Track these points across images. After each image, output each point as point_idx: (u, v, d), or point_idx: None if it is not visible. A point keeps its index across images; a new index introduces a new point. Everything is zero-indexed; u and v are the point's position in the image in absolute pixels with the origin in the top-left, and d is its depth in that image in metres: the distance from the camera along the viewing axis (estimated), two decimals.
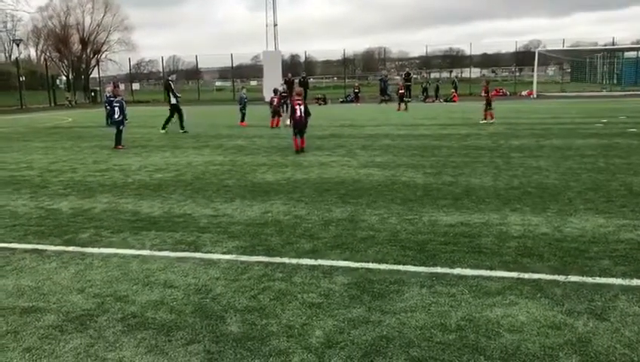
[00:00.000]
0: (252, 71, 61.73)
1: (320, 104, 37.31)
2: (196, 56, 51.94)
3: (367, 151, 12.95)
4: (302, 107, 12.94)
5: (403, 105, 27.83)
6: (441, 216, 6.74)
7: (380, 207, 7.28)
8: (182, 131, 18.63)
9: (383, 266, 5.03)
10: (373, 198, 7.85)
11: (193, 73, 59.49)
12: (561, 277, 4.65)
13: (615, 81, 48.16)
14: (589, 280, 4.59)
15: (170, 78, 20.34)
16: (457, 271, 4.87)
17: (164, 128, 19.07)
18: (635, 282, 4.52)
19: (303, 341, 3.69)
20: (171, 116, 19.12)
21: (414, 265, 5.06)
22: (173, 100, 18.95)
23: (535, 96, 39.01)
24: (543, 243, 5.60)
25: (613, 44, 45.54)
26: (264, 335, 3.78)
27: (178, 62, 71.71)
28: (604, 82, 49.80)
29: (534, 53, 40.41)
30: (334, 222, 6.62)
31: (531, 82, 41.55)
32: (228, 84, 58.82)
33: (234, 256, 5.47)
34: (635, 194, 7.69)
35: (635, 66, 47.69)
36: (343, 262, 5.19)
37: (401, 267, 5.01)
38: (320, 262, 5.21)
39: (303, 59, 54.45)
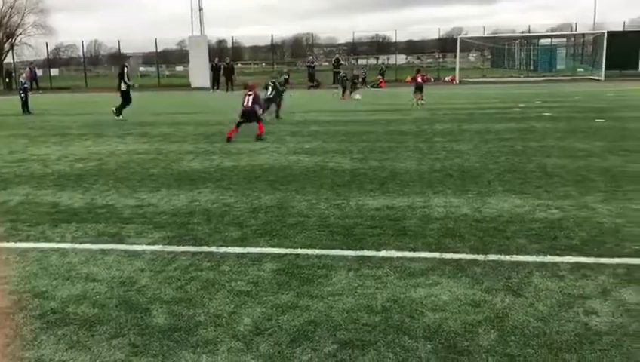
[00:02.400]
0: (177, 56, 60.13)
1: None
2: (118, 41, 49.98)
3: (296, 137, 12.96)
4: (251, 97, 12.77)
5: (351, 93, 26.05)
6: (367, 201, 6.86)
7: (308, 193, 7.32)
8: (118, 117, 18.14)
9: (311, 251, 5.07)
10: (302, 184, 7.88)
11: (116, 58, 57.28)
12: (480, 257, 4.85)
13: (532, 67, 50.43)
14: (507, 258, 4.81)
15: (125, 64, 19.64)
16: (383, 253, 4.99)
17: (119, 114, 18.43)
18: (549, 259, 4.78)
19: (231, 329, 3.67)
20: (125, 101, 18.57)
21: (342, 249, 5.13)
22: (123, 87, 18.44)
23: (457, 82, 40.24)
24: (464, 224, 5.82)
25: (529, 32, 47.62)
26: (191, 326, 3.73)
27: (100, 47, 68.75)
28: (522, 68, 52.04)
29: (457, 40, 41.62)
30: (263, 209, 6.60)
31: (454, 68, 42.79)
32: (152, 69, 57.06)
33: (160, 246, 5.35)
34: (549, 176, 8.11)
35: (550, 53, 50.11)
36: (272, 248, 5.19)
37: (329, 251, 5.06)
38: (248, 249, 5.19)
39: (230, 44, 53.58)
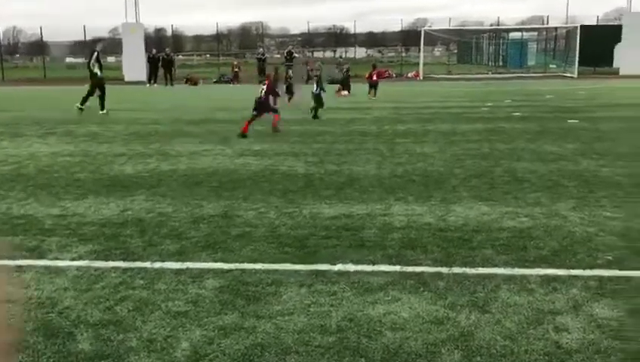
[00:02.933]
0: (109, 46, 59.00)
1: (191, 85, 36.52)
2: (40, 28, 48.63)
3: (244, 138, 12.92)
4: (266, 88, 13.50)
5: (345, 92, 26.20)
6: (323, 209, 6.88)
7: (257, 201, 7.29)
8: (102, 112, 17.86)
9: (259, 266, 5.05)
10: (250, 191, 7.84)
11: (37, 48, 55.76)
12: (444, 270, 4.93)
13: (501, 63, 51.77)
14: (473, 271, 4.91)
15: (97, 49, 19.11)
16: (339, 267, 5.01)
17: (82, 106, 18.04)
18: (517, 271, 4.90)
19: (167, 355, 3.61)
20: (93, 91, 18.15)
21: (293, 263, 5.12)
22: (98, 72, 18.04)
23: (421, 78, 40.95)
24: (427, 233, 5.91)
25: (498, 25, 48.90)
26: (121, 352, 3.65)
27: (19, 34, 66.83)
28: (491, 64, 53.36)
29: (420, 32, 42.36)
30: (205, 219, 6.53)
31: (418, 63, 43.52)
32: (81, 60, 55.79)
33: (86, 262, 5.22)
34: (518, 181, 8.32)
35: (520, 48, 51.56)
36: (215, 263, 5.13)
37: (279, 266, 5.05)
38: (188, 265, 5.12)
39: (169, 33, 52.93)
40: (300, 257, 5.26)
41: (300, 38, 54.47)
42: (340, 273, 4.88)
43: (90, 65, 18.24)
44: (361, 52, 67.22)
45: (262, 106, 13.44)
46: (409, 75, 43.34)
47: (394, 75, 44.08)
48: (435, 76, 42.23)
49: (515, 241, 5.65)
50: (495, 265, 5.02)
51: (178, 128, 14.18)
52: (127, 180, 8.65)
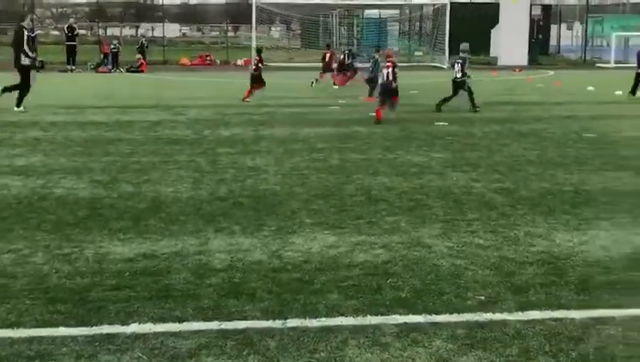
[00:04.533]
0: None
1: None
2: None
3: (1, 146, 12.33)
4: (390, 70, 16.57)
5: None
6: (114, 247, 6.74)
7: (17, 239, 7.00)
8: (18, 109, 17.44)
9: (18, 332, 4.81)
10: (9, 225, 7.50)
11: None
12: (277, 323, 4.98)
13: (356, 48, 53.82)
14: (314, 323, 5.01)
15: (24, 25, 18.28)
16: (133, 328, 4.90)
17: (19, 104, 17.55)
18: (369, 320, 5.07)
19: None
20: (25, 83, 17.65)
21: (68, 325, 4.94)
22: (25, 60, 17.65)
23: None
24: (256, 276, 5.95)
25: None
26: None
27: None
28: (343, 49, 55.26)
29: (252, 6, 42.89)
30: None
31: (250, 47, 43.99)
32: None
33: None
34: (373, 201, 8.67)
35: (378, 28, 53.97)
36: None
37: (47, 331, 4.85)
38: None
39: None
40: (79, 317, 5.08)
41: (86, 9, 53.05)
42: (136, 336, 4.76)
43: (25, 49, 17.81)
44: (173, 30, 66.81)
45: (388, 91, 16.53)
46: (239, 62, 43.68)
47: (218, 62, 44.24)
48: (273, 64, 42.94)
49: (367, 281, 5.85)
50: (342, 314, 5.16)
51: None
52: None
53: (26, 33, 18.14)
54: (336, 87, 26.32)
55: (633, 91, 22.63)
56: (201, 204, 8.44)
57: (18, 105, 17.73)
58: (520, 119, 17.26)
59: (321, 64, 28.83)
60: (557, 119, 17.31)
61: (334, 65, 27.72)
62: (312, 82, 26.03)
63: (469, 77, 18.96)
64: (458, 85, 18.78)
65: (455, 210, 8.27)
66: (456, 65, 19.08)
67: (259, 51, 23.41)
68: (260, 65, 21.57)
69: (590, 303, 5.43)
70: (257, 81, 21.34)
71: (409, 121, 16.71)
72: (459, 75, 18.73)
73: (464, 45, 19.87)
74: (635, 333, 4.84)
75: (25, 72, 17.99)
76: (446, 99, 18.59)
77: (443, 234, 7.25)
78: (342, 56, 28.64)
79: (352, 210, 8.22)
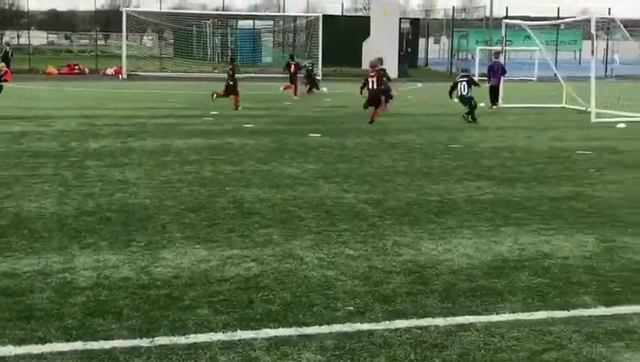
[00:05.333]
0: None
1: None
2: None
3: None
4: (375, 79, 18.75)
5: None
6: None
7: None
8: None
9: None
10: None
11: None
12: (144, 342, 4.89)
13: (229, 59, 53.71)
14: (182, 340, 4.94)
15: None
16: None
17: None
18: (239, 335, 5.05)
19: None
20: None
21: None
22: None
23: (125, 76, 40.73)
24: (124, 293, 5.83)
25: (223, 9, 50.83)
26: None
27: None
28: (217, 60, 55.09)
29: (122, 13, 42.20)
30: None
31: (120, 56, 43.21)
32: None
33: None
34: (246, 214, 8.67)
35: (252, 40, 54.14)
36: None
37: None
38: None
39: None
40: None
41: None
42: None
43: None
44: (40, 37, 64.78)
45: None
46: (109, 71, 42.83)
47: (86, 71, 43.20)
48: (144, 74, 42.32)
49: (238, 295, 5.84)
50: (212, 330, 5.12)
51: None
52: None
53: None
54: (297, 97, 27.07)
55: (492, 101, 24.01)
56: (66, 220, 8.21)
57: None
58: (390, 130, 17.70)
59: (287, 75, 29.17)
60: (425, 130, 17.85)
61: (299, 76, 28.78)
62: (214, 95, 23.18)
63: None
64: (466, 100, 19.96)
65: (327, 221, 8.38)
66: (459, 84, 20.06)
67: (232, 60, 23.57)
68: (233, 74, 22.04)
69: (453, 310, 5.60)
70: (234, 89, 21.99)
71: (283, 132, 16.83)
72: (465, 93, 19.88)
73: (465, 65, 24.69)
74: (495, 339, 5.03)
75: None
76: (470, 112, 19.88)
77: (315, 246, 7.33)
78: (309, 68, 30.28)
79: (224, 223, 8.20)
